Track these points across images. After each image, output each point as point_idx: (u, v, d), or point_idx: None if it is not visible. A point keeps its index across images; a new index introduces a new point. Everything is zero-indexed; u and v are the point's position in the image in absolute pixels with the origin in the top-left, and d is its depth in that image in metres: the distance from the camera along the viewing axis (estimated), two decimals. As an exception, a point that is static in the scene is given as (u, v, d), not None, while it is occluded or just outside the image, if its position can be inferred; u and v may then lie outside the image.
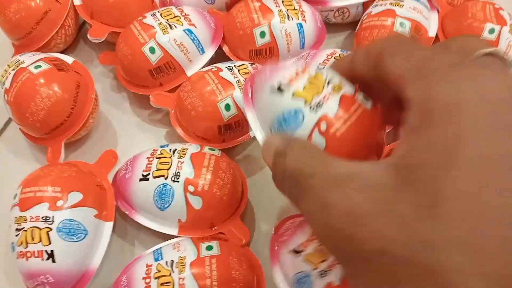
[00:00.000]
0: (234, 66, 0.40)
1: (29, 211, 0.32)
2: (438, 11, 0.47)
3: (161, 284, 0.30)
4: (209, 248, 0.33)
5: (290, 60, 0.45)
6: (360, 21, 0.47)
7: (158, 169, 0.35)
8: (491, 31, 0.43)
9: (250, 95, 0.27)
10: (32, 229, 0.32)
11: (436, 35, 0.45)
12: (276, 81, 0.25)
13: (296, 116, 0.23)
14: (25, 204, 0.33)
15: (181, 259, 0.32)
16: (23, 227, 0.32)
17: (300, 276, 0.31)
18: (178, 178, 0.34)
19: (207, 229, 0.36)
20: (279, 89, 0.24)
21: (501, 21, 0.43)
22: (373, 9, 0.45)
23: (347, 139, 0.23)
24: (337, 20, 0.50)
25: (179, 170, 0.34)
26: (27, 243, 0.32)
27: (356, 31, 0.47)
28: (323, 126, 0.23)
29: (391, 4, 0.44)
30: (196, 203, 0.34)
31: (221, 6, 0.49)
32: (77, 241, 0.33)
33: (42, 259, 0.32)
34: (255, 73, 0.28)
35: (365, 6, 0.49)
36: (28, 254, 0.32)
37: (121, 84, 0.45)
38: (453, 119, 0.15)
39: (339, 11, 0.49)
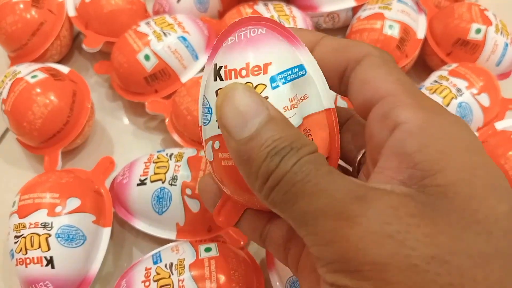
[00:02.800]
0: (228, 71, 0.41)
1: (28, 217, 0.33)
2: (426, 13, 0.48)
3: (161, 287, 0.31)
4: (208, 249, 0.33)
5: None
6: (350, 25, 0.48)
7: (156, 173, 0.35)
8: (478, 31, 0.44)
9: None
10: (31, 236, 0.32)
11: (425, 37, 0.47)
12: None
13: None
14: (23, 211, 0.33)
15: (180, 261, 0.32)
16: (22, 234, 0.32)
17: (293, 280, 0.32)
18: (175, 182, 0.35)
19: (205, 232, 0.36)
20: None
21: (487, 21, 0.44)
22: (363, 13, 0.46)
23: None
24: (327, 25, 0.51)
25: (176, 174, 0.35)
26: (26, 249, 0.32)
27: (346, 35, 0.48)
28: None
29: (379, 7, 0.45)
30: (194, 206, 0.35)
31: (214, 14, 0.50)
32: (76, 246, 0.33)
33: (42, 265, 0.32)
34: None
35: (354, 10, 0.50)
36: (28, 261, 0.32)
37: (117, 93, 0.45)
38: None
39: (330, 16, 0.50)
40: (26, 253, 0.32)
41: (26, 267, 0.32)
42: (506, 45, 0.44)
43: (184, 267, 0.31)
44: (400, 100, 0.17)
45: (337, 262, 0.14)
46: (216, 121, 0.19)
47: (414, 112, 0.16)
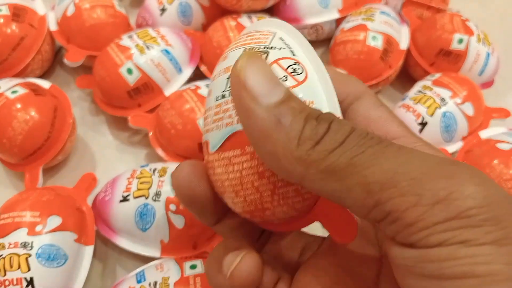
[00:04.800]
0: (212, 84, 0.41)
1: (7, 237, 0.32)
2: (408, 24, 0.48)
3: (145, 306, 0.30)
4: (193, 267, 0.32)
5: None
6: (333, 37, 0.48)
7: (139, 189, 0.35)
8: (460, 41, 0.44)
9: None
10: (11, 256, 0.31)
11: (408, 48, 0.47)
12: None
13: None
14: (3, 230, 0.32)
15: (165, 280, 0.31)
16: (1, 254, 0.31)
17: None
18: (159, 197, 0.34)
19: (190, 249, 0.35)
20: None
21: (469, 31, 0.44)
22: (346, 25, 0.47)
23: None
24: (311, 37, 0.51)
25: (160, 189, 0.34)
26: (5, 271, 0.31)
27: (330, 46, 0.48)
28: None
29: (363, 19, 0.46)
30: (179, 221, 0.34)
31: (197, 27, 0.50)
32: (57, 266, 0.32)
33: (22, 287, 0.31)
34: None
35: (338, 22, 0.50)
36: (7, 283, 0.31)
37: (99, 108, 0.45)
38: None
39: (313, 28, 0.50)
40: (5, 274, 0.31)
41: (5, 289, 0.31)
42: (488, 54, 0.45)
43: (168, 285, 0.31)
44: (416, 141, 0.19)
45: (454, 219, 0.13)
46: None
47: (435, 152, 0.18)
